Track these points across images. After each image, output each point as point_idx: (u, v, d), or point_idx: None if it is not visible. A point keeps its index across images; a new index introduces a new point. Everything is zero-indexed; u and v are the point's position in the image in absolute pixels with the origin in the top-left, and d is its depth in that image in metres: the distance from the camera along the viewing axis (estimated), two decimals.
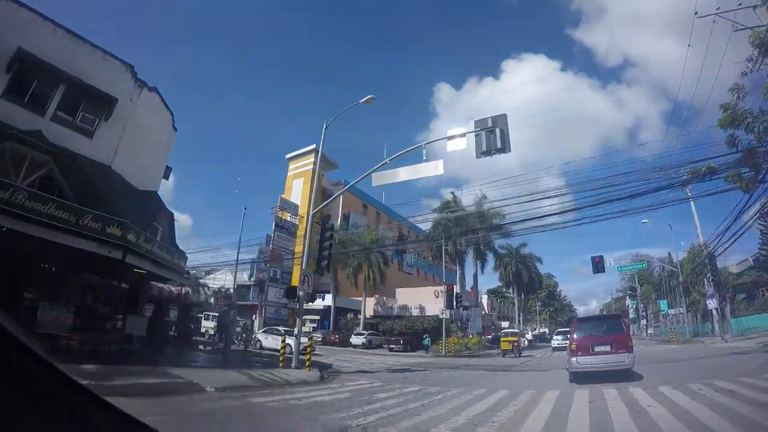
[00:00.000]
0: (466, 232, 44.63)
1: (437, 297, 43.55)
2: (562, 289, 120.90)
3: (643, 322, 77.68)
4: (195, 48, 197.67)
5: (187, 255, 23.73)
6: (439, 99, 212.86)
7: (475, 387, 14.58)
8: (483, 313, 68.64)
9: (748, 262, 53.19)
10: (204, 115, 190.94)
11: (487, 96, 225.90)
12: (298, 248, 53.96)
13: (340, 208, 62.73)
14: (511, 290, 75.03)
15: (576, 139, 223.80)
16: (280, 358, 18.95)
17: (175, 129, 27.21)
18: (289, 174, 67.22)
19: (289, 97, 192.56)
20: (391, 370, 21.36)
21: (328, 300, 51.21)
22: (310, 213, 21.54)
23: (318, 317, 52.75)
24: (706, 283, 39.58)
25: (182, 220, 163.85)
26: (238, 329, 31.53)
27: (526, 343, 34.72)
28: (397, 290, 56.93)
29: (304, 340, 19.61)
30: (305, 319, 54.77)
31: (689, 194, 28.16)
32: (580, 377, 14.54)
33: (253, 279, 55.14)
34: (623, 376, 14.21)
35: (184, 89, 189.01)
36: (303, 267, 21.13)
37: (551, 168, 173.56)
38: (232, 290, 66.55)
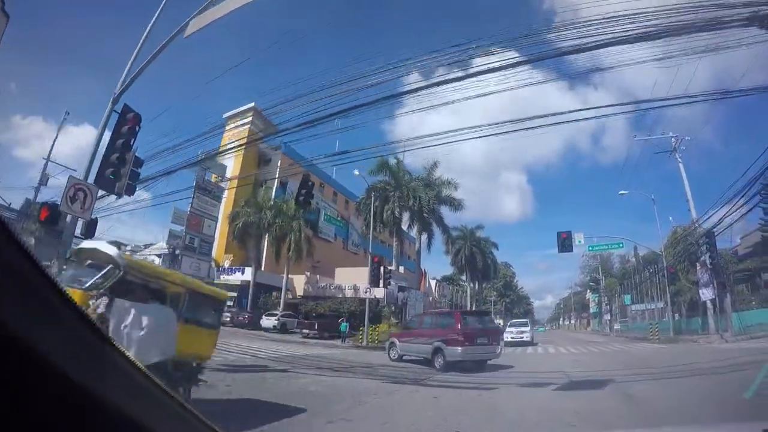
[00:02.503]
0: (404, 197, 35.60)
1: None
2: (519, 280, 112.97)
3: (607, 317, 69.93)
4: None
5: None
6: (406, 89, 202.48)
7: None
8: (431, 299, 60.29)
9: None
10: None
11: (453, 88, 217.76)
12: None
13: (277, 174, 53.14)
14: (464, 276, 66.92)
15: (539, 137, 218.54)
16: None
17: (6, 15, 19.89)
18: (225, 134, 57.64)
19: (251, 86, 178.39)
20: (227, 369, 12.30)
21: (248, 274, 41.89)
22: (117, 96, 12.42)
23: (236, 294, 43.36)
24: (698, 268, 31.06)
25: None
26: None
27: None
28: (337, 270, 48.24)
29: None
30: None
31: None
32: None
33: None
34: None
35: None
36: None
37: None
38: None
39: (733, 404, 7.94)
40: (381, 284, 28.40)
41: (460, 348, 14.40)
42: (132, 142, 12.44)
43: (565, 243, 31.11)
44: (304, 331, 30.40)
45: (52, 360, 0.74)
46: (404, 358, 17.62)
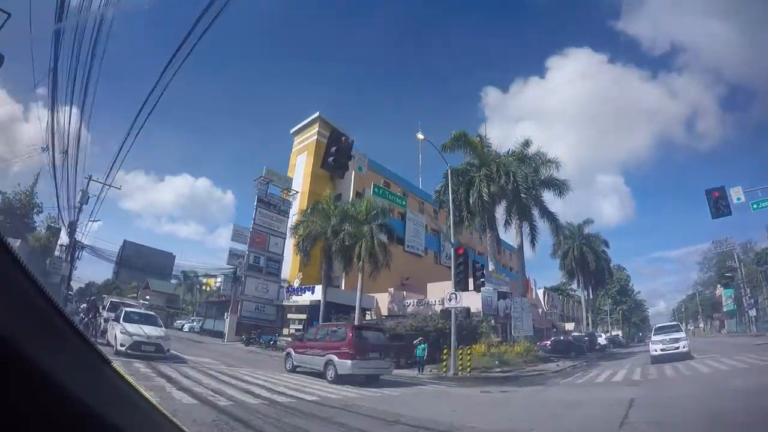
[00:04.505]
0: (493, 176, 26.36)
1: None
2: (633, 284, 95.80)
3: (752, 312, 55.32)
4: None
5: None
6: (487, 103, 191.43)
7: None
8: (540, 310, 49.75)
9: None
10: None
11: (535, 96, 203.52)
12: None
13: (352, 183, 46.04)
14: (575, 283, 55.70)
15: (630, 133, 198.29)
16: None
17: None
18: (293, 150, 52.91)
19: (322, 99, 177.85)
20: None
21: (318, 293, 34.66)
22: None
23: (305, 315, 36.21)
24: None
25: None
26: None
27: None
28: (428, 285, 40.37)
29: None
30: (290, 319, 39.02)
31: None
32: None
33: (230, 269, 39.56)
34: None
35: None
36: None
37: None
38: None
39: None
40: (471, 286, 19.66)
41: (350, 361, 14.08)
42: None
43: (719, 204, 21.64)
44: None
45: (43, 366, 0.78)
46: (298, 369, 16.83)
